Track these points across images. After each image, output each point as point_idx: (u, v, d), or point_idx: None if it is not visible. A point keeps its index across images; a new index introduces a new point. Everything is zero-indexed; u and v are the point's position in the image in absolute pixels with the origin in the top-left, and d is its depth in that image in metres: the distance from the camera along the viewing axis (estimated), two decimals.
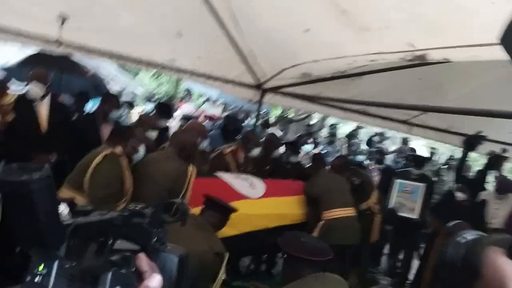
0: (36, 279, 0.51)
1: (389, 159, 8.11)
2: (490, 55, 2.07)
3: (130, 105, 6.80)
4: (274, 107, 11.32)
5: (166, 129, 4.68)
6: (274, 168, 4.53)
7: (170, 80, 13.53)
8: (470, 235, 0.53)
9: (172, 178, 2.99)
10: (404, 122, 5.29)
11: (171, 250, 0.65)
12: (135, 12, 3.28)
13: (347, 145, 8.87)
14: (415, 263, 5.19)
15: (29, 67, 5.34)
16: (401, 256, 5.34)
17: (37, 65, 5.27)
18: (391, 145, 10.33)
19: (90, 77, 6.27)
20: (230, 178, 3.76)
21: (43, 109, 3.57)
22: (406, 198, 5.02)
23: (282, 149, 4.77)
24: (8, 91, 3.28)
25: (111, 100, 3.87)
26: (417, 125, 5.29)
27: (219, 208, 2.73)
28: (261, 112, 5.80)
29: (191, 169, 3.11)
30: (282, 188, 4.09)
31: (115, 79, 7.80)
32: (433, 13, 2.05)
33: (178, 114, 6.06)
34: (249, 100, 4.93)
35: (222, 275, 2.57)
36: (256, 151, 4.19)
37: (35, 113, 3.53)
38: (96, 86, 6.25)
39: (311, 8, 2.67)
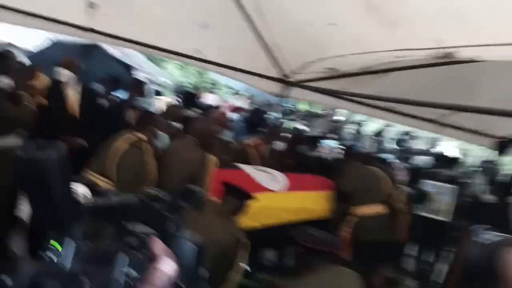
0: (52, 257, 0.53)
1: (418, 159, 7.88)
2: None
3: (157, 93, 6.89)
4: (299, 102, 11.22)
5: (192, 119, 4.72)
6: (297, 163, 4.50)
7: (195, 71, 13.63)
8: (494, 236, 0.50)
9: (191, 167, 3.02)
10: (433, 121, 5.12)
11: (189, 237, 0.65)
12: (162, 2, 3.31)
13: (373, 142, 8.69)
14: (444, 266, 5.06)
15: (54, 54, 5.52)
16: (429, 259, 5.21)
17: (62, 52, 5.44)
18: (421, 145, 10.05)
19: (116, 65, 6.35)
20: (252, 170, 3.77)
21: (73, 94, 3.68)
22: (435, 200, 4.88)
23: (305, 145, 4.72)
24: (40, 75, 3.39)
25: (138, 88, 3.95)
26: (447, 125, 5.11)
27: (237, 194, 2.73)
28: (285, 106, 5.75)
29: (211, 158, 3.13)
30: (305, 183, 4.06)
31: (142, 68, 7.93)
32: (464, 7, 1.96)
33: (203, 104, 6.10)
34: (274, 93, 4.91)
35: (242, 263, 2.58)
36: (279, 145, 4.16)
37: (65, 98, 3.65)
38: (123, 72, 6.33)
39: (338, 1, 2.61)
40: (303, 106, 11.15)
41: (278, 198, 3.70)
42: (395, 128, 10.19)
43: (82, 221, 0.55)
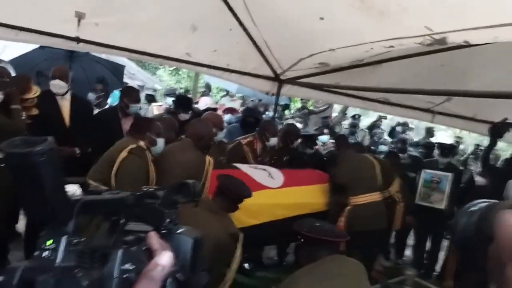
0: (44, 254, 0.52)
1: (414, 149, 7.92)
2: None
3: (150, 99, 6.88)
4: (294, 100, 11.26)
5: (186, 122, 4.71)
6: (291, 159, 4.51)
7: (189, 76, 13.66)
8: (482, 203, 0.50)
9: (190, 169, 3.01)
10: (427, 110, 5.15)
11: (185, 232, 0.64)
12: (149, 8, 3.31)
13: (368, 136, 8.72)
14: (441, 254, 5.08)
15: (37, 58, 5.49)
16: (427, 247, 5.24)
17: (45, 56, 5.42)
18: (416, 136, 10.11)
19: (107, 63, 6.30)
20: (249, 169, 3.77)
21: (66, 104, 3.67)
22: (433, 188, 4.90)
23: (299, 140, 4.73)
24: (32, 86, 3.37)
25: (131, 94, 3.92)
26: (441, 113, 5.14)
27: (230, 193, 2.74)
28: (279, 104, 5.77)
29: (209, 159, 3.13)
30: (301, 178, 4.07)
31: (135, 75, 7.92)
32: None
33: (197, 107, 6.09)
34: (267, 92, 4.92)
35: (238, 257, 2.60)
36: (273, 142, 4.17)
37: (58, 108, 3.64)
38: (113, 71, 6.32)
39: None
40: (298, 104, 11.18)
41: (276, 194, 3.71)
42: (389, 121, 10.26)
43: (75, 216, 0.54)
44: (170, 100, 6.39)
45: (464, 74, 3.79)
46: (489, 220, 0.39)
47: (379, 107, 5.30)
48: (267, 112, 7.89)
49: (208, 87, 10.37)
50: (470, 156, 8.09)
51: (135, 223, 0.62)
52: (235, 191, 2.78)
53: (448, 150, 5.30)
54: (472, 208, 0.46)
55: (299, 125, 7.14)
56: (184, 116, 4.55)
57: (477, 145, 8.42)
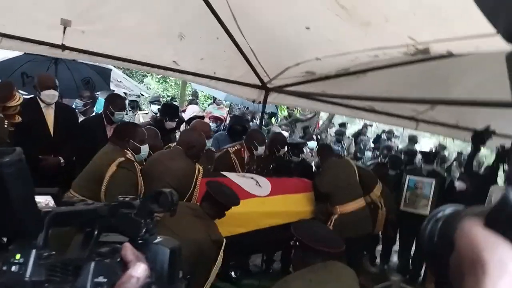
0: (13, 269, 0.50)
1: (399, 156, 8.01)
2: (494, 46, 2.04)
3: (134, 105, 6.82)
4: (282, 109, 11.32)
5: (173, 130, 4.69)
6: (278, 167, 4.52)
7: (176, 83, 13.62)
8: (450, 209, 0.50)
9: (179, 177, 2.99)
10: (411, 118, 5.23)
11: (162, 242, 0.63)
12: (136, 15, 3.30)
13: (354, 143, 8.81)
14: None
15: (19, 63, 5.39)
16: (410, 252, 5.29)
17: (28, 60, 5.33)
18: (401, 143, 10.25)
19: (93, 65, 6.20)
20: (237, 178, 3.77)
21: (50, 112, 3.61)
22: (418, 195, 4.97)
23: (285, 149, 4.75)
24: (14, 93, 3.30)
25: (116, 101, 3.88)
26: (425, 121, 5.22)
27: (220, 199, 2.73)
28: (266, 112, 5.78)
29: (198, 168, 3.12)
30: (288, 186, 4.09)
31: (122, 83, 7.86)
32: (434, 4, 2.02)
33: (184, 115, 6.07)
34: (254, 100, 4.93)
35: (219, 262, 2.60)
36: (260, 150, 4.18)
37: (43, 117, 3.58)
38: (100, 73, 6.21)
39: (311, 5, 2.66)
40: (284, 113, 11.24)
41: (264, 203, 3.71)
42: (375, 128, 10.38)
43: (45, 229, 0.53)
44: (155, 108, 6.35)
45: (447, 81, 3.87)
46: (452, 227, 0.39)
47: (365, 115, 5.36)
48: (254, 120, 7.91)
49: (195, 95, 10.35)
50: (454, 163, 8.23)
51: (112, 235, 0.61)
52: (225, 198, 2.77)
53: (433, 157, 5.38)
54: (439, 214, 0.46)
55: (285, 133, 7.18)
56: (170, 124, 4.53)
57: (460, 153, 8.57)
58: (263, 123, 6.24)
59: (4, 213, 0.49)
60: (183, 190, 2.94)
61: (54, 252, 0.53)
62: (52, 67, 5.38)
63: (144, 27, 3.42)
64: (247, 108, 8.60)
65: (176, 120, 4.66)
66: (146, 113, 6.72)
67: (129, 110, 5.98)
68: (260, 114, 5.62)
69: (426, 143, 11.92)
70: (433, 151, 7.06)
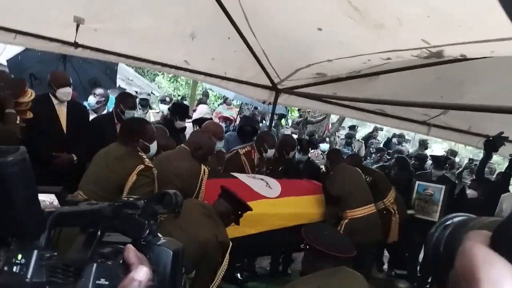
0: (14, 269, 0.49)
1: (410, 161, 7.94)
2: (509, 50, 2.00)
3: (144, 103, 6.84)
4: (292, 110, 11.29)
5: (183, 129, 4.70)
6: (287, 169, 4.50)
7: (187, 83, 13.69)
8: (459, 218, 0.48)
9: (185, 178, 2.98)
10: (423, 123, 5.17)
11: (166, 243, 0.62)
12: (149, 15, 3.32)
13: (364, 146, 8.74)
14: None
15: (29, 59, 5.45)
16: (419, 259, 5.22)
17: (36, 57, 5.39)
18: (412, 148, 10.15)
19: (99, 63, 6.24)
20: (247, 179, 3.77)
21: (63, 110, 3.64)
22: (427, 200, 4.90)
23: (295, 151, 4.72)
24: (26, 89, 3.33)
25: (127, 100, 3.90)
26: (437, 126, 5.16)
27: (232, 200, 2.73)
28: (276, 113, 5.77)
29: (203, 169, 3.11)
30: (297, 188, 4.07)
31: (133, 81, 7.92)
32: (448, 7, 1.99)
33: (194, 115, 6.08)
34: (264, 101, 4.93)
35: (225, 265, 2.58)
36: (270, 153, 4.16)
37: (56, 114, 3.60)
38: (106, 71, 6.24)
39: (323, 6, 2.64)
40: (294, 114, 11.21)
41: (274, 204, 3.70)
42: (386, 132, 10.30)
43: (48, 229, 0.52)
44: (163, 107, 6.34)
45: (460, 87, 3.82)
46: (458, 239, 0.38)
47: (375, 118, 5.32)
48: (264, 121, 7.90)
49: (206, 95, 10.36)
50: (465, 170, 8.12)
51: (115, 235, 0.60)
52: (240, 200, 2.77)
53: (443, 162, 5.31)
54: (447, 222, 0.44)
55: (294, 135, 7.15)
56: (180, 124, 4.54)
57: (471, 159, 8.45)
58: (274, 124, 6.23)
59: (6, 213, 0.49)
60: (188, 191, 2.93)
61: (56, 253, 0.52)
62: (60, 68, 5.43)
63: (156, 27, 3.44)
64: (257, 108, 8.59)
65: (186, 120, 4.68)
66: (158, 112, 6.75)
67: (140, 108, 6.00)
68: (269, 115, 5.61)
69: (437, 148, 11.79)
70: (447, 156, 6.95)
